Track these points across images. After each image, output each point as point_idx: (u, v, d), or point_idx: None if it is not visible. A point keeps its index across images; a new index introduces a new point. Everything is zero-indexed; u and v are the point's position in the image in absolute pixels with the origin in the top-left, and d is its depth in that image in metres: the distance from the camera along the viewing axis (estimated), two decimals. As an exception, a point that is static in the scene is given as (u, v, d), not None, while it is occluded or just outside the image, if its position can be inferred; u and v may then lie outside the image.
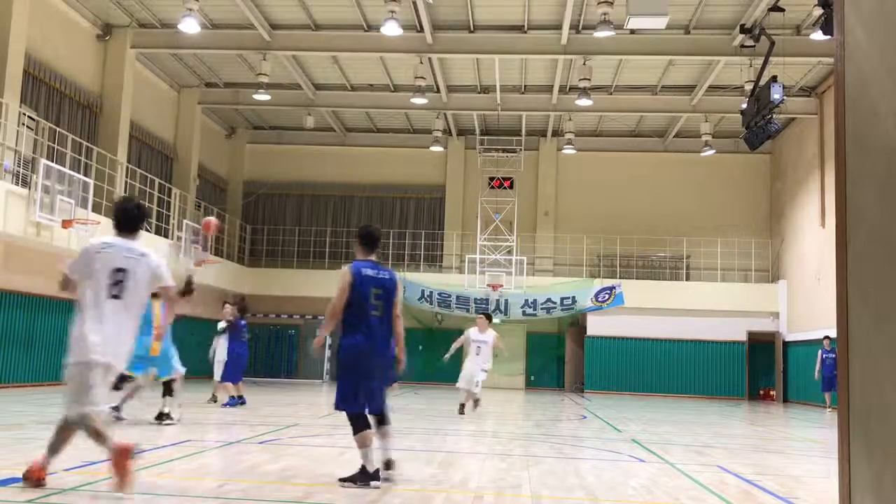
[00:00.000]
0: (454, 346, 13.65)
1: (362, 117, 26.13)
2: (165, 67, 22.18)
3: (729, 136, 25.06)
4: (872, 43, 2.47)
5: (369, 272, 5.93)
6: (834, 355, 15.53)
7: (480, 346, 13.39)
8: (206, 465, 6.44)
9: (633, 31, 18.13)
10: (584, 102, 20.23)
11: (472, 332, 13.60)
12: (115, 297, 5.24)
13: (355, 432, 5.73)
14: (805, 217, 22.78)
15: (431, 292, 24.49)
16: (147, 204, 20.01)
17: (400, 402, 16.69)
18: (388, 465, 5.93)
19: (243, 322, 13.84)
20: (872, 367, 2.40)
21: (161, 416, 9.36)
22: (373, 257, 6.13)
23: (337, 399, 5.81)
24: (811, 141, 22.38)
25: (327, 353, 25.45)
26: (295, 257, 26.43)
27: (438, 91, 22.20)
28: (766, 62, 16.86)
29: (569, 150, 24.90)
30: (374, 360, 5.88)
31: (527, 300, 24.28)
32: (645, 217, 25.90)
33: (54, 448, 5.13)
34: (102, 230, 16.50)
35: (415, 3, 16.95)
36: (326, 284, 25.65)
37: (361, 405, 5.80)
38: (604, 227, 25.79)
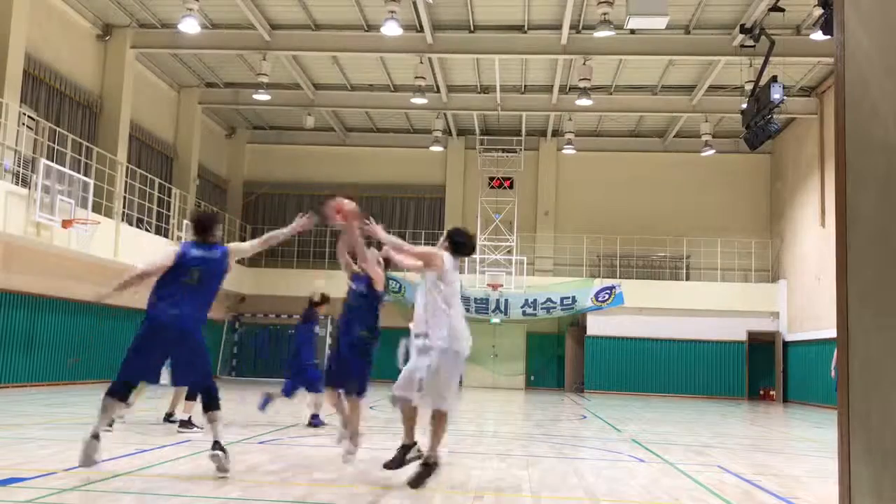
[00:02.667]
0: None
1: (362, 117, 26.13)
2: (165, 67, 22.18)
3: (729, 136, 25.05)
4: (872, 43, 2.46)
5: (195, 252, 5.95)
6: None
7: None
8: (206, 465, 6.43)
9: (633, 31, 18.13)
10: (584, 102, 20.22)
11: None
12: None
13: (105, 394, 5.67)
14: (805, 217, 22.77)
15: (431, 292, 24.46)
16: (147, 204, 20.04)
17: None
18: (217, 446, 5.83)
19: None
20: (872, 368, 2.40)
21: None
22: (204, 239, 6.08)
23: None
24: (811, 141, 22.39)
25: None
26: (295, 257, 26.43)
27: (438, 91, 22.20)
28: (766, 62, 16.86)
29: (569, 150, 24.90)
30: (175, 335, 5.76)
31: (527, 300, 24.28)
32: (645, 217, 25.90)
33: None
34: (102, 230, 16.52)
35: (415, 3, 16.95)
36: (326, 284, 25.70)
37: (134, 376, 5.76)
38: (604, 227, 25.80)
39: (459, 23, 18.67)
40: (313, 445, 8.18)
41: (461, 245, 6.15)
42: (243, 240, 26.61)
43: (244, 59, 21.00)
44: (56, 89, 17.57)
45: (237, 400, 14.08)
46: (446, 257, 5.96)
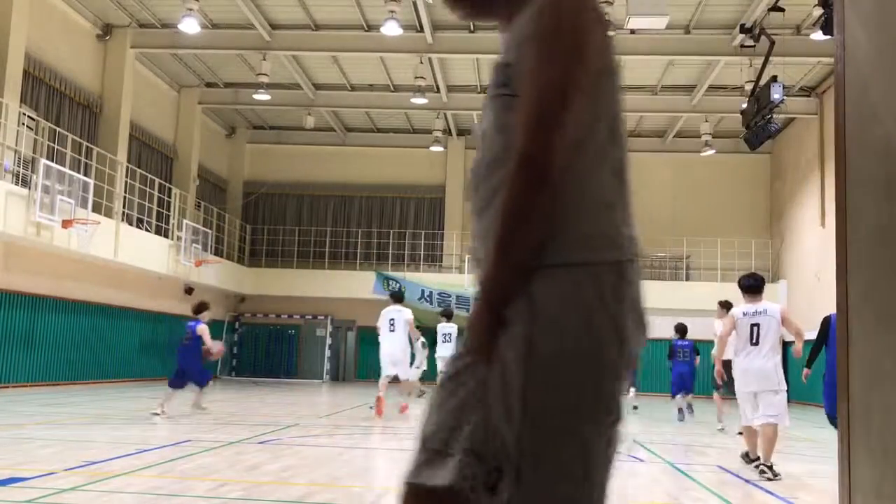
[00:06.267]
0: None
1: (362, 117, 26.12)
2: (165, 67, 22.17)
3: (729, 136, 25.05)
4: (872, 43, 2.47)
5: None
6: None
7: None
8: (206, 465, 6.43)
9: (633, 31, 18.11)
10: (584, 102, 20.19)
11: None
12: None
13: None
14: (805, 217, 22.77)
15: (431, 292, 24.48)
16: (147, 204, 20.03)
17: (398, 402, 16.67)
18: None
19: None
20: (872, 367, 2.40)
21: None
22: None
23: None
24: (811, 141, 22.38)
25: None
26: (295, 257, 26.42)
27: (438, 91, 22.19)
28: (766, 62, 16.86)
29: (569, 150, 24.87)
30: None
31: (527, 300, 24.24)
32: (644, 217, 25.64)
33: None
34: (102, 230, 16.52)
35: (415, 3, 16.95)
36: (326, 285, 25.79)
37: None
38: (604, 227, 25.74)
39: (459, 23, 18.66)
40: (313, 445, 8.18)
41: (744, 287, 8.35)
42: (243, 240, 26.63)
43: (244, 59, 20.99)
44: (56, 89, 17.57)
45: (238, 399, 14.08)
46: (735, 311, 8.35)
